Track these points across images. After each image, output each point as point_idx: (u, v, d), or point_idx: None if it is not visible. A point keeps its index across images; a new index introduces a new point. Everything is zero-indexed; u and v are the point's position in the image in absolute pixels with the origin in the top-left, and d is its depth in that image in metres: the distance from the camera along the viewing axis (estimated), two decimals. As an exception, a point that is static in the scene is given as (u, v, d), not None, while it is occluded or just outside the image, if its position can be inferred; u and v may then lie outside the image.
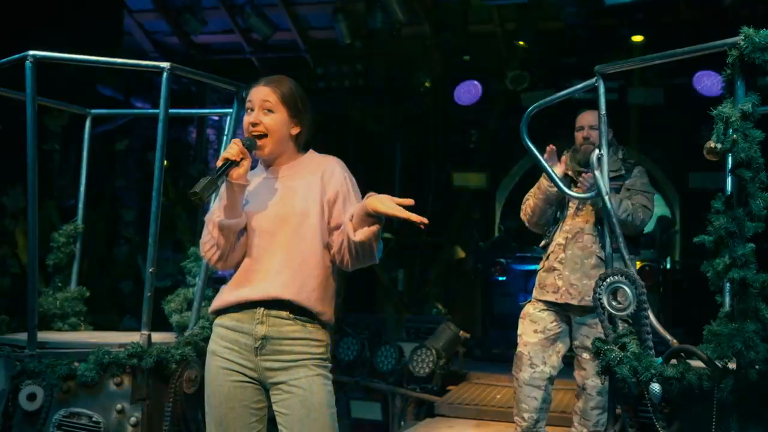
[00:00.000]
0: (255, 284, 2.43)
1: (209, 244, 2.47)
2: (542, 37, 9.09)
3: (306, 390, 2.40)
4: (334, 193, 2.51)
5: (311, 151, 2.65)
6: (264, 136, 2.50)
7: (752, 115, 2.47)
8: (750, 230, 2.48)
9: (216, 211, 2.46)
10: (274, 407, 2.44)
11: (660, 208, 11.24)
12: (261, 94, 2.51)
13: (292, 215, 2.45)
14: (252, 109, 2.51)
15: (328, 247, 2.49)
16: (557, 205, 4.29)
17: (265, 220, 2.47)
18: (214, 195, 2.58)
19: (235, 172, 2.39)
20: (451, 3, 8.56)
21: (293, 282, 2.41)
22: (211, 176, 2.33)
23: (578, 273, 4.12)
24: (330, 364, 2.51)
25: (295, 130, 2.56)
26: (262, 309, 2.42)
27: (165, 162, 3.29)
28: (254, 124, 2.49)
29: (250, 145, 2.45)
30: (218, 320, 2.52)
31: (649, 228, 10.70)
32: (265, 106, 2.50)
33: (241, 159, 2.40)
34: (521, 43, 9.28)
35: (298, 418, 2.38)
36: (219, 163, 2.39)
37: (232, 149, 2.40)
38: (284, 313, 2.42)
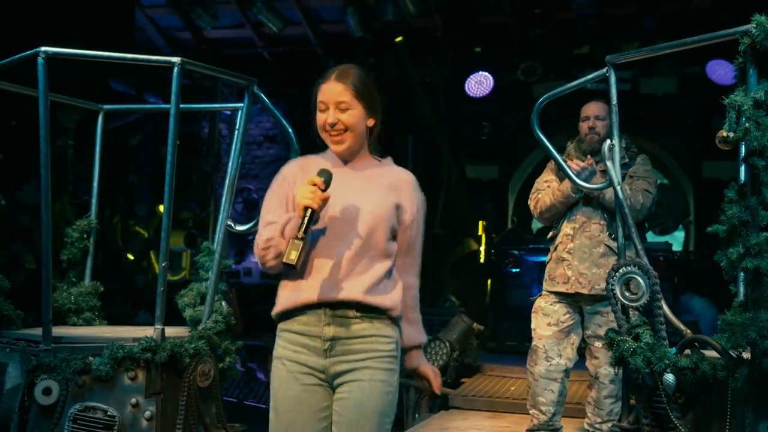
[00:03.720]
0: (319, 285, 2.36)
1: (272, 251, 2.35)
2: (554, 28, 9.05)
3: (363, 395, 2.35)
4: (410, 219, 2.50)
5: (390, 158, 2.62)
6: (344, 131, 2.45)
7: (765, 103, 2.45)
8: (764, 219, 2.46)
9: (285, 218, 2.36)
10: (334, 404, 2.39)
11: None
12: (335, 93, 2.44)
13: (366, 216, 2.39)
14: (325, 109, 2.45)
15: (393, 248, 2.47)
16: None
17: (336, 218, 2.40)
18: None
19: (318, 214, 2.31)
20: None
21: (359, 282, 2.36)
22: (297, 238, 2.25)
23: (587, 262, 4.11)
24: (398, 360, 2.45)
25: (371, 122, 2.52)
26: (327, 309, 2.36)
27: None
28: (332, 125, 2.42)
29: (328, 179, 2.32)
30: (283, 325, 2.45)
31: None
32: (341, 106, 2.43)
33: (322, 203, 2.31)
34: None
35: (347, 421, 2.35)
36: (299, 213, 2.28)
37: (311, 197, 2.27)
38: (350, 312, 2.37)
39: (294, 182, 2.48)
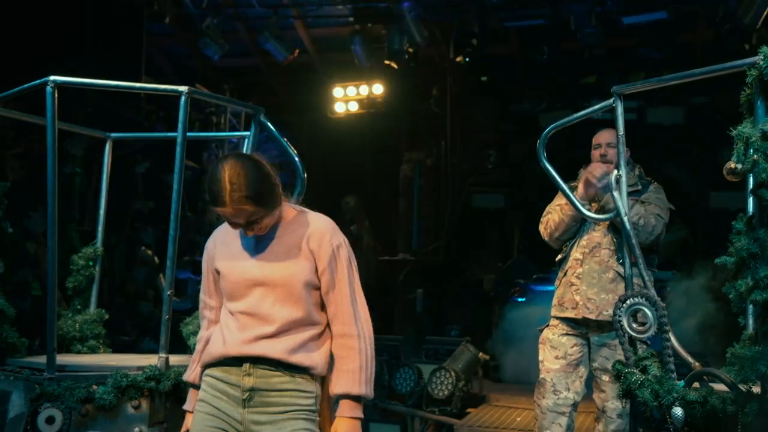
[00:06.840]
0: (241, 342, 2.39)
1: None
2: (560, 58, 9.09)
3: None
4: (323, 267, 2.44)
5: (303, 209, 2.56)
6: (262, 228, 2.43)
7: (773, 135, 2.45)
8: (773, 251, 2.44)
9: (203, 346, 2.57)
10: None
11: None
12: (238, 216, 2.35)
13: (277, 281, 2.40)
14: (237, 226, 2.40)
15: (322, 305, 2.47)
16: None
17: (249, 281, 2.42)
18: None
19: None
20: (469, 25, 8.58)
21: (280, 342, 2.37)
22: None
23: (596, 287, 4.07)
24: (318, 417, 2.44)
25: (280, 203, 2.51)
26: (248, 363, 2.38)
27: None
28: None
29: None
30: (208, 370, 2.48)
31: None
32: (251, 219, 2.35)
33: None
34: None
35: None
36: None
37: None
38: (272, 366, 2.38)
39: (212, 257, 2.55)
